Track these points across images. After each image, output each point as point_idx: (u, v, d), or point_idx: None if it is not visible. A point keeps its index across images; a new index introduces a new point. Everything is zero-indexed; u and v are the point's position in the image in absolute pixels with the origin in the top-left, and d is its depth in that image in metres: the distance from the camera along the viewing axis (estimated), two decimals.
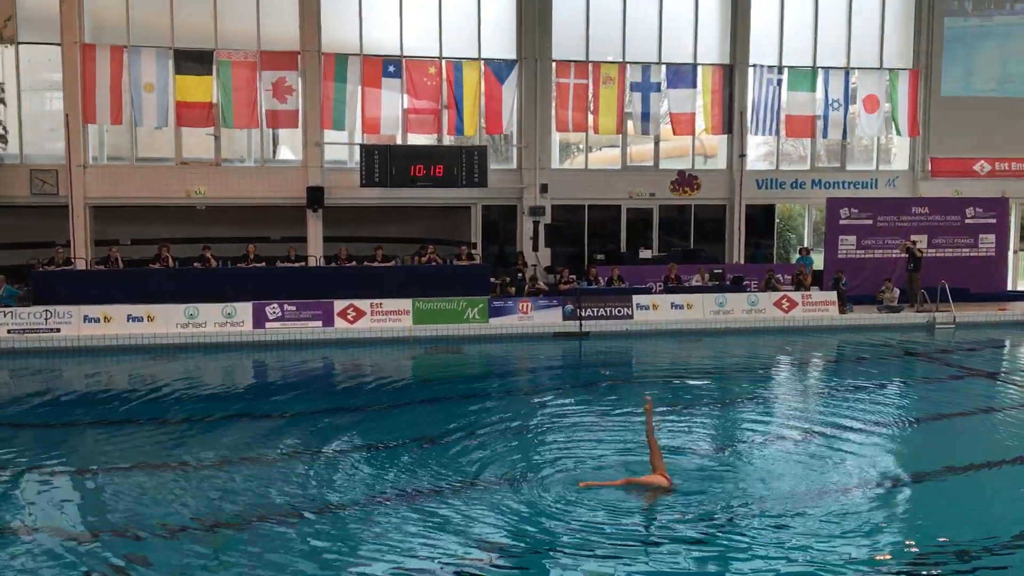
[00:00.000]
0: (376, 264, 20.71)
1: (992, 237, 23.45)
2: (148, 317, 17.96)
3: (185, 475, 9.29)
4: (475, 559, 7.08)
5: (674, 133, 24.89)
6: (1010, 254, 24.34)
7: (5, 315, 17.52)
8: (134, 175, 22.48)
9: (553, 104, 24.01)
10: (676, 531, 7.60)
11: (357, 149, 23.04)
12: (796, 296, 20.50)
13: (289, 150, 24.41)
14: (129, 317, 17.90)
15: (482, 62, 23.51)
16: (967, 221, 23.34)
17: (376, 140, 23.36)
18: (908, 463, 9.78)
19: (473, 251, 22.78)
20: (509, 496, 8.49)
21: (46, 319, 17.59)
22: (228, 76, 22.13)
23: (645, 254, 24.51)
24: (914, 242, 22.06)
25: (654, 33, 24.50)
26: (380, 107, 22.90)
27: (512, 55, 23.81)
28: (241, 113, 22.26)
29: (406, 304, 18.86)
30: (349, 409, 12.64)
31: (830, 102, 25.13)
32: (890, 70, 25.61)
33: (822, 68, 25.23)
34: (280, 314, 18.43)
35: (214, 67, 22.10)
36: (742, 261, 25.02)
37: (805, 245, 25.28)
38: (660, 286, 21.26)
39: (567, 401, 13.49)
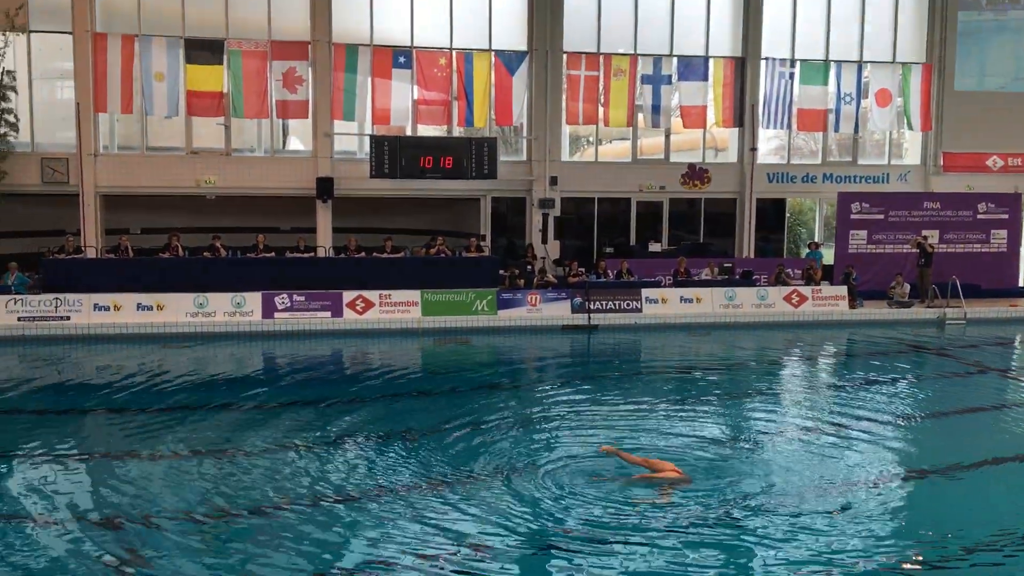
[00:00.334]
0: (385, 255, 20.70)
1: (1004, 233, 23.30)
2: (158, 306, 17.98)
3: (188, 464, 9.31)
4: (477, 550, 7.07)
5: (684, 126, 24.81)
6: (1022, 250, 24.14)
7: (16, 303, 17.58)
8: (144, 164, 22.54)
9: (563, 96, 23.93)
10: (688, 525, 7.58)
11: (367, 140, 23.03)
12: (806, 291, 20.41)
13: (299, 140, 24.41)
14: (139, 306, 17.92)
15: (493, 53, 23.45)
16: (979, 217, 23.19)
17: (386, 131, 23.35)
18: (919, 459, 9.75)
19: (482, 243, 22.75)
20: (516, 488, 8.48)
21: (56, 307, 17.64)
22: (238, 66, 22.13)
23: (655, 247, 24.45)
24: (925, 237, 21.94)
25: (666, 25, 24.40)
26: (390, 98, 22.88)
27: (523, 46, 23.74)
28: (251, 103, 22.25)
29: (415, 295, 18.86)
30: (354, 400, 12.63)
31: (842, 96, 25.00)
32: (903, 64, 25.45)
33: (834, 62, 25.08)
34: (289, 304, 18.44)
35: (224, 57, 22.09)
36: (752, 255, 24.93)
37: (815, 240, 25.17)
38: (669, 279, 21.20)
39: (575, 394, 13.46)
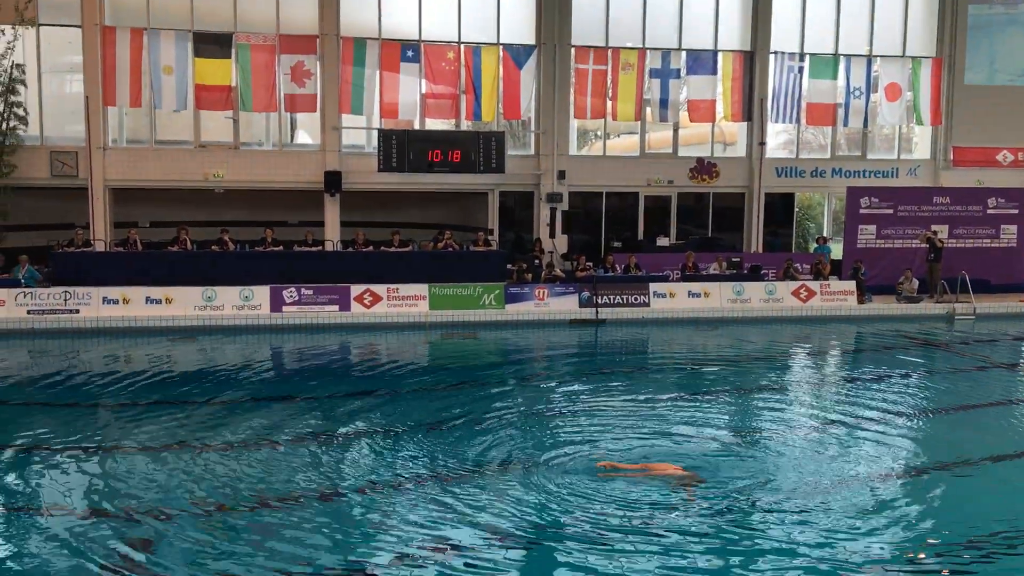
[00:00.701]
0: (393, 249, 20.71)
1: (1014, 228, 23.13)
2: (166, 299, 18.03)
3: (198, 457, 9.33)
4: (485, 544, 7.08)
5: (691, 120, 24.76)
6: None
7: (25, 296, 17.65)
8: (153, 158, 22.59)
9: (572, 90, 23.90)
10: (696, 520, 7.57)
11: (375, 134, 23.04)
12: (814, 285, 20.36)
13: (307, 134, 24.44)
14: (147, 299, 17.97)
15: (501, 47, 23.42)
16: (989, 211, 23.04)
17: (394, 125, 23.35)
18: (928, 454, 9.73)
19: (490, 237, 22.75)
20: (522, 483, 8.47)
21: (65, 300, 17.71)
22: (247, 59, 22.14)
23: (663, 242, 24.43)
24: (935, 232, 21.83)
25: (674, 19, 24.34)
26: (398, 92, 22.87)
27: (531, 40, 23.71)
28: (259, 97, 22.27)
29: (422, 289, 18.85)
30: (362, 393, 12.63)
31: (852, 90, 24.90)
32: (913, 58, 25.33)
33: (844, 56, 24.98)
34: (297, 298, 18.47)
35: (233, 50, 22.10)
36: (760, 250, 24.88)
37: (824, 234, 25.07)
38: (677, 274, 21.17)
39: (582, 388, 13.47)
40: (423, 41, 23.10)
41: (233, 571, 6.60)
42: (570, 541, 7.14)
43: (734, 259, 22.11)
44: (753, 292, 20.06)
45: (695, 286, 20.05)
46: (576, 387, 13.55)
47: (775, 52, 24.63)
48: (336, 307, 18.59)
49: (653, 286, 19.82)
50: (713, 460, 9.20)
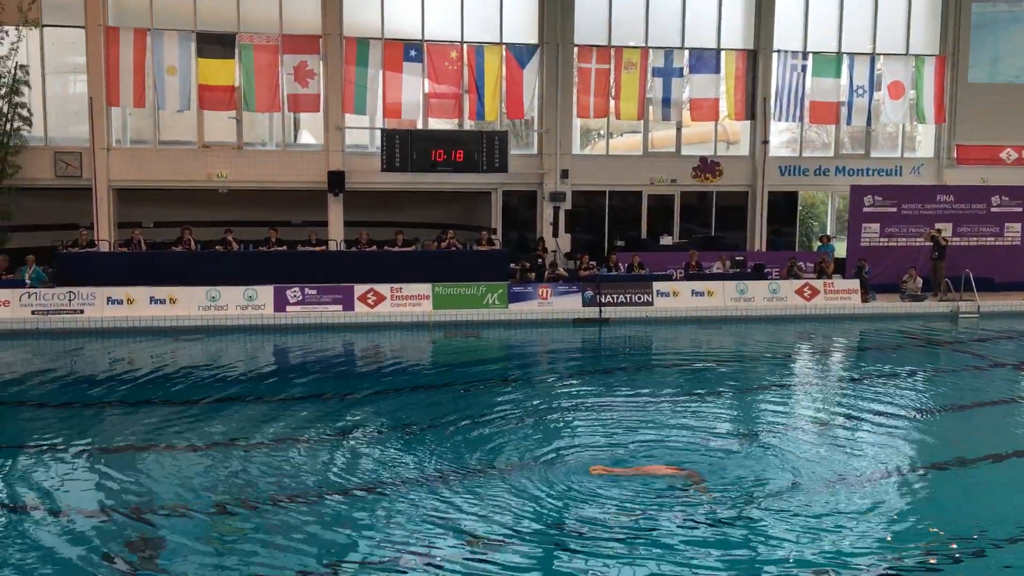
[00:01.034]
0: (396, 249, 20.73)
1: (1018, 226, 23.10)
2: (170, 299, 18.07)
3: (202, 456, 9.36)
4: (485, 544, 7.09)
5: (692, 119, 24.75)
6: None
7: (30, 296, 17.69)
8: (157, 158, 22.63)
9: (574, 89, 23.90)
10: (696, 521, 7.58)
11: (378, 133, 23.06)
12: (818, 284, 20.34)
13: (310, 134, 24.47)
14: (151, 299, 18.02)
15: (503, 47, 23.43)
16: (993, 209, 23.01)
17: (397, 125, 23.36)
18: (932, 453, 9.72)
19: (493, 236, 22.76)
20: (525, 482, 8.48)
21: (70, 300, 17.75)
22: (250, 60, 22.17)
23: (666, 241, 24.41)
24: (939, 230, 21.81)
25: (677, 18, 24.33)
26: (401, 91, 22.89)
27: (534, 39, 23.71)
28: (263, 97, 22.30)
29: (426, 289, 18.87)
30: (364, 393, 12.65)
31: (855, 88, 24.87)
32: (916, 56, 25.30)
33: (847, 54, 24.96)
34: (301, 298, 18.50)
35: (236, 51, 22.13)
36: (764, 248, 24.86)
37: (827, 233, 25.04)
38: (681, 273, 21.16)
39: (586, 388, 13.46)
40: (426, 41, 23.12)
41: (236, 571, 6.62)
42: (570, 541, 7.14)
43: (738, 258, 22.09)
44: (757, 291, 20.05)
45: (699, 285, 20.05)
46: (580, 387, 13.54)
47: (778, 50, 24.62)
48: (340, 307, 18.61)
49: (657, 285, 19.81)
50: (715, 459, 9.20)
